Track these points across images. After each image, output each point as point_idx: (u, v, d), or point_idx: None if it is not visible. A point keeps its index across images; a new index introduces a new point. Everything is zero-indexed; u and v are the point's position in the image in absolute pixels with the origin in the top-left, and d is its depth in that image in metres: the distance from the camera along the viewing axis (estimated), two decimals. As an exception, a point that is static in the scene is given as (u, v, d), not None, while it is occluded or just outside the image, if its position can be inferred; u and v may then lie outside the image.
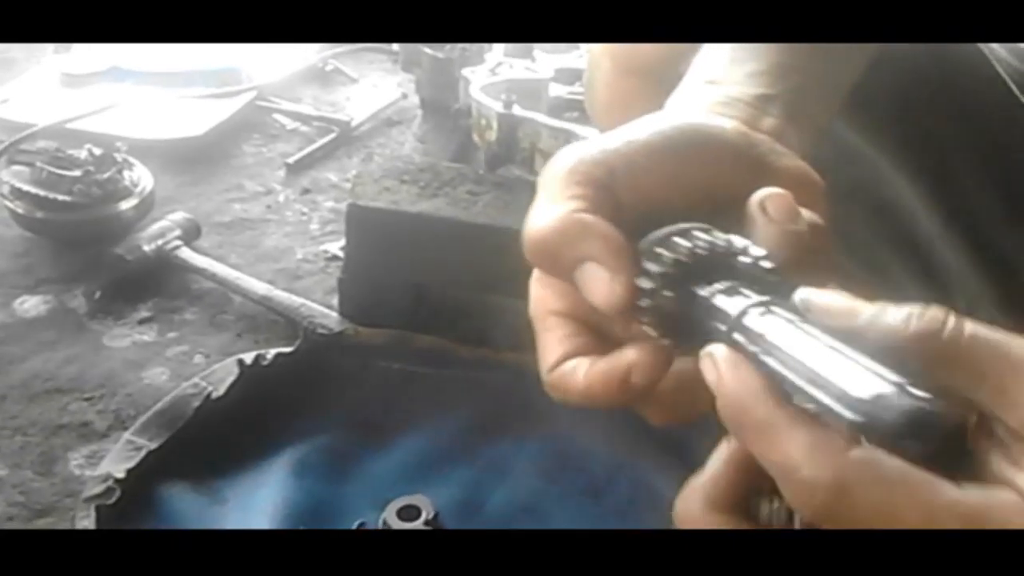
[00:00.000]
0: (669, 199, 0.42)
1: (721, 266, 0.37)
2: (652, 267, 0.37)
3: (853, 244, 0.41)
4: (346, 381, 0.81)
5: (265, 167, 1.16)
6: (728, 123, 0.45)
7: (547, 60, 1.16)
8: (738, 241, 0.37)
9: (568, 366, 0.38)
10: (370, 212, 0.87)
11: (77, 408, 0.81)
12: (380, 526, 0.69)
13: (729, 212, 0.43)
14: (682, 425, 0.41)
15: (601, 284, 0.38)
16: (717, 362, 0.34)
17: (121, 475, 0.71)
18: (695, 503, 0.36)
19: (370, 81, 1.35)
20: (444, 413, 0.78)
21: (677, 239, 0.38)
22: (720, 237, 0.38)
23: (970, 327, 0.33)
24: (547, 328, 0.40)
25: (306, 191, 1.12)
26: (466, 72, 1.12)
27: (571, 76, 1.12)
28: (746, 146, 0.44)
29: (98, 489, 0.71)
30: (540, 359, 0.40)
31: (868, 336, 0.33)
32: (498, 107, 1.02)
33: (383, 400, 0.80)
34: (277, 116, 1.25)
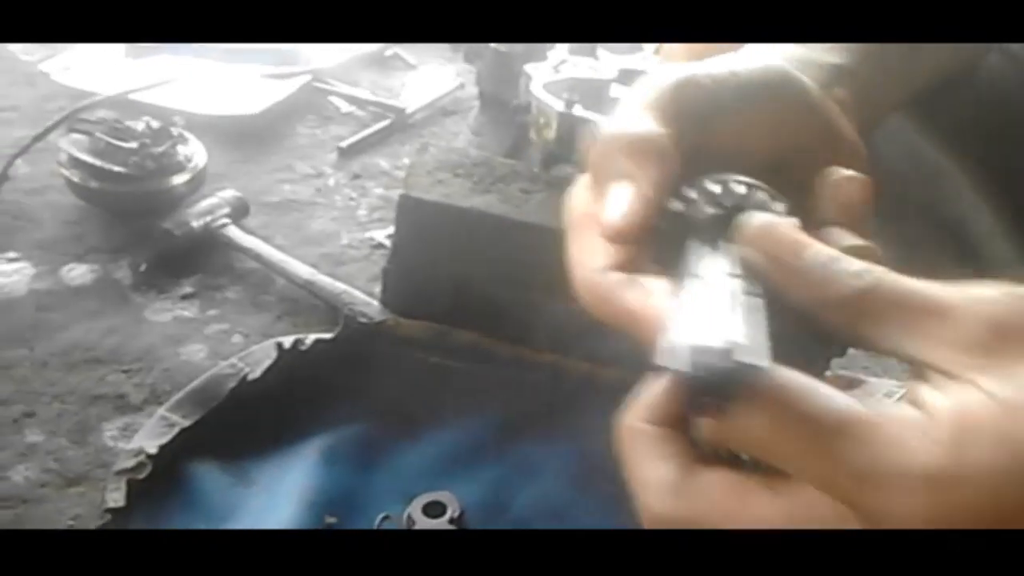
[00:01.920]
0: (745, 140, 0.41)
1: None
2: (676, 205, 0.37)
3: (920, 261, 0.40)
4: (382, 371, 0.81)
5: (317, 149, 1.16)
6: (807, 80, 0.44)
7: (611, 60, 1.14)
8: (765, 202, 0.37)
9: (619, 277, 0.36)
10: (422, 204, 0.87)
11: (115, 380, 0.82)
12: (405, 520, 0.69)
13: (787, 164, 0.42)
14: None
15: (620, 206, 0.36)
16: None
17: (153, 451, 0.72)
18: (634, 416, 0.35)
19: (428, 69, 1.34)
20: (477, 410, 0.77)
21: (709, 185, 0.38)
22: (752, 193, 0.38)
23: (897, 283, 0.33)
24: (594, 230, 0.37)
25: (356, 176, 1.12)
26: (528, 68, 1.11)
27: (635, 78, 1.10)
28: (821, 106, 0.44)
29: (130, 463, 0.71)
30: (580, 257, 0.37)
31: (806, 279, 0.33)
32: (559, 106, 1.01)
33: (417, 393, 0.79)
34: (333, 99, 1.25)
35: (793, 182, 0.42)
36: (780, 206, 0.38)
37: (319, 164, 1.13)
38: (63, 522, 0.70)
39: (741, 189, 0.38)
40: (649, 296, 0.35)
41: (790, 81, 0.43)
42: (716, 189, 0.37)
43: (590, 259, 0.37)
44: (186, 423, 0.74)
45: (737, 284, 0.33)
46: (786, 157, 0.42)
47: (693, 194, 0.38)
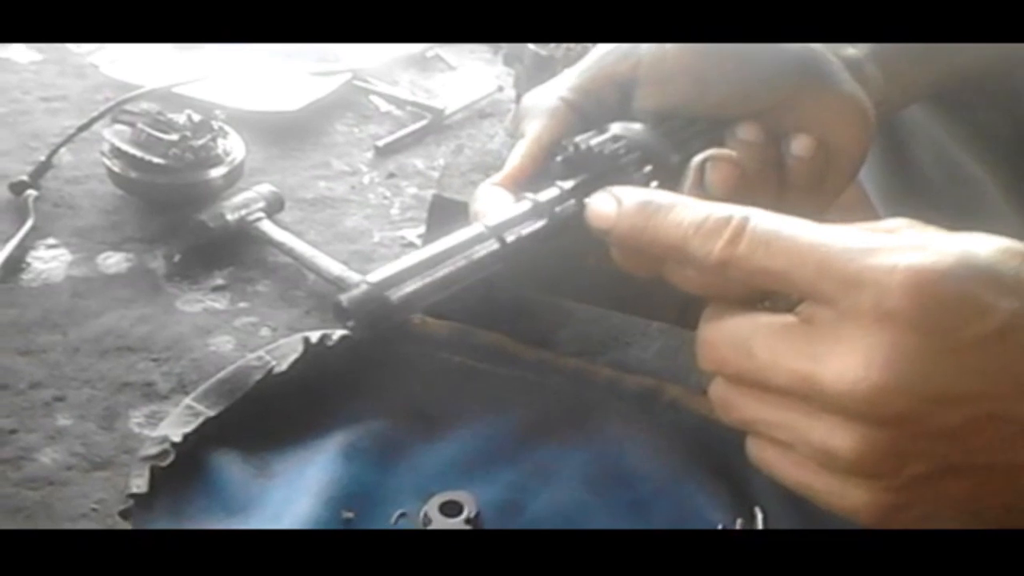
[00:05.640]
0: (694, 96, 0.45)
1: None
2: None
3: None
4: (406, 370, 0.81)
5: (354, 147, 1.17)
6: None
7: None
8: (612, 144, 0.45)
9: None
10: (454, 205, 0.87)
11: (144, 368, 0.83)
12: (421, 518, 0.69)
13: (778, 115, 0.44)
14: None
15: (513, 156, 0.46)
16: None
17: (178, 439, 0.73)
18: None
19: (468, 71, 1.35)
20: (498, 412, 0.78)
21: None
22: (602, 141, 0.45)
23: (751, 230, 0.35)
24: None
25: (391, 175, 1.13)
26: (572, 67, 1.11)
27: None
28: (808, 61, 0.46)
29: (154, 450, 0.72)
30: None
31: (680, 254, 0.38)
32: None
33: (440, 392, 0.80)
34: (372, 97, 1.26)
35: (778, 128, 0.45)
36: (646, 169, 0.44)
37: (355, 162, 1.14)
38: (87, 505, 0.71)
39: (607, 148, 0.45)
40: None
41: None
42: (583, 147, 0.45)
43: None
44: (211, 413, 0.75)
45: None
46: (768, 108, 0.44)
47: (580, 142, 0.45)
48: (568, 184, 0.43)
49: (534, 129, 0.46)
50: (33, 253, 0.95)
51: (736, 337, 0.35)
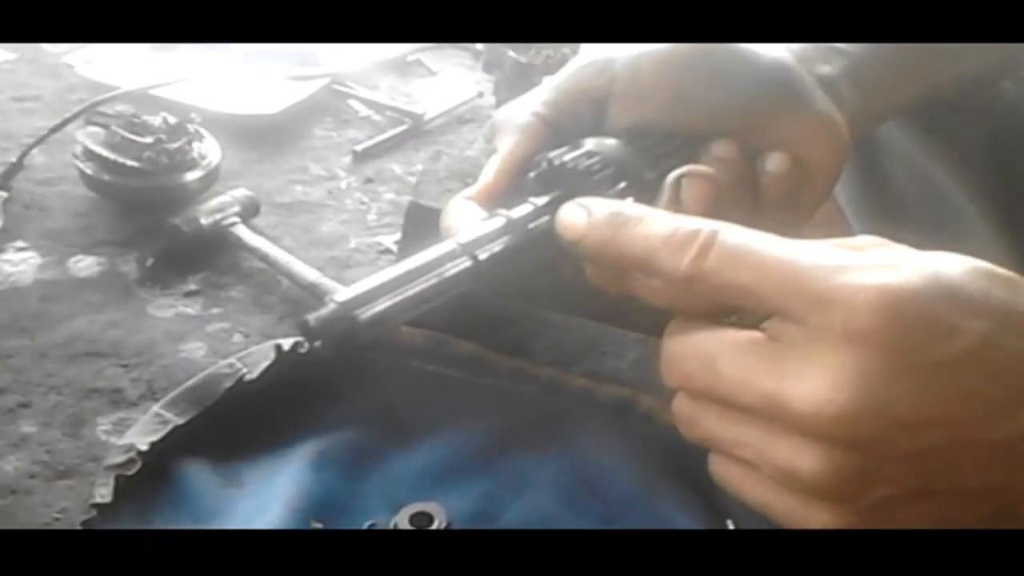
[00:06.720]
0: (670, 113, 0.44)
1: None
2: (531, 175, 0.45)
3: None
4: (380, 378, 0.81)
5: (332, 152, 1.16)
6: (775, 55, 0.45)
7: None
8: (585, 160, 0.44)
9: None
10: (430, 212, 0.87)
11: (112, 374, 0.82)
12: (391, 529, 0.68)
13: (753, 133, 0.44)
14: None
15: (486, 172, 0.45)
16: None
17: (144, 447, 0.72)
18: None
19: (448, 76, 1.34)
20: (471, 421, 0.77)
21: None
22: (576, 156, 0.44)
23: (718, 249, 0.34)
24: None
25: (369, 180, 1.12)
26: (547, 80, 1.10)
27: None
28: (782, 79, 0.45)
29: (120, 459, 0.71)
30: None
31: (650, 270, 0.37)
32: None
33: (413, 401, 0.79)
34: (351, 102, 1.25)
35: (751, 147, 0.44)
36: (620, 185, 0.43)
37: (333, 167, 1.13)
38: (50, 515, 0.70)
39: (581, 164, 0.44)
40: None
41: (722, 57, 0.45)
42: (556, 163, 0.44)
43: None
44: (179, 421, 0.74)
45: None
46: (743, 124, 0.44)
47: (554, 158, 0.44)
48: (541, 200, 0.43)
49: (507, 144, 0.45)
50: (2, 256, 0.94)
51: (701, 353, 0.35)
